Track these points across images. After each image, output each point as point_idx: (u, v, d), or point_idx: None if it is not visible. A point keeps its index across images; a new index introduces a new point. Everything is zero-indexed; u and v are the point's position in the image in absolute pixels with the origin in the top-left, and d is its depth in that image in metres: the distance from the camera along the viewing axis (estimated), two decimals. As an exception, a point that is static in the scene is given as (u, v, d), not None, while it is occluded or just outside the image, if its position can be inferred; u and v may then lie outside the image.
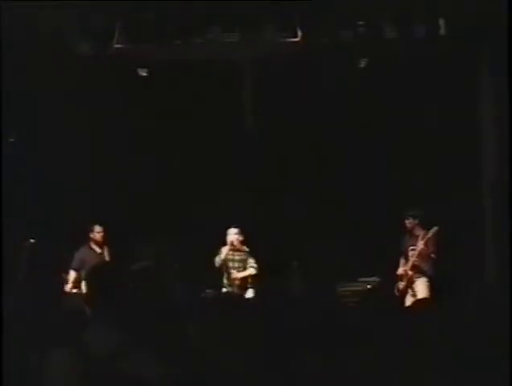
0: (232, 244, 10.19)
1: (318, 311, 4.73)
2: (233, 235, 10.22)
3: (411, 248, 10.20)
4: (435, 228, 9.95)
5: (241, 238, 10.24)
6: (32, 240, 10.29)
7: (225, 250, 10.24)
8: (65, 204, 11.00)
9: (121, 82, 11.13)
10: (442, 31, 10.37)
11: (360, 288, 10.67)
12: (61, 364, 3.97)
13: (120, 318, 4.11)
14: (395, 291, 10.16)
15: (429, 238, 10.00)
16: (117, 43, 10.36)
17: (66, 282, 10.30)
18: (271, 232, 10.94)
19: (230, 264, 10.25)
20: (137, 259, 10.36)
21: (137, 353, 3.99)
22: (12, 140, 10.56)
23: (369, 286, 10.71)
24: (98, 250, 10.52)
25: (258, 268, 10.21)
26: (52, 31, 10.30)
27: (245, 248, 10.31)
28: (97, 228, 10.47)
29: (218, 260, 10.22)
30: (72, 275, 10.24)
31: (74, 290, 10.08)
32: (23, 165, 10.66)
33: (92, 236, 10.49)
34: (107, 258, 10.35)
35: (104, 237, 10.51)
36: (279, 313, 4.55)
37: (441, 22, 10.35)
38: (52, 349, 4.11)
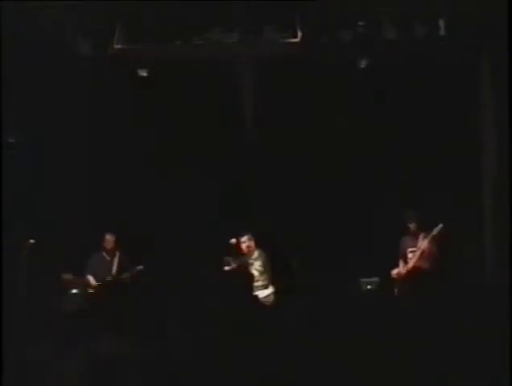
0: (243, 249, 10.24)
1: (319, 311, 4.75)
2: (245, 239, 10.28)
3: (411, 249, 10.19)
4: (440, 226, 9.93)
5: (251, 243, 10.27)
6: (32, 240, 10.29)
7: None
8: (65, 204, 11.02)
9: (121, 82, 11.14)
10: (442, 31, 10.38)
11: (360, 288, 10.66)
12: (60, 363, 3.98)
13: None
14: (395, 292, 10.14)
15: (434, 236, 9.98)
16: (117, 43, 10.37)
17: (66, 283, 10.34)
18: (271, 233, 10.94)
19: None
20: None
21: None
22: (12, 140, 10.57)
23: (369, 287, 10.70)
24: (108, 257, 10.72)
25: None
26: (52, 31, 10.31)
27: (256, 253, 10.30)
28: (108, 237, 10.69)
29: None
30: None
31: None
32: (23, 165, 10.67)
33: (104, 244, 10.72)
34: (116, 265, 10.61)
35: (115, 244, 10.71)
36: (280, 313, 4.56)
37: (441, 22, 10.36)
38: (51, 348, 4.13)
